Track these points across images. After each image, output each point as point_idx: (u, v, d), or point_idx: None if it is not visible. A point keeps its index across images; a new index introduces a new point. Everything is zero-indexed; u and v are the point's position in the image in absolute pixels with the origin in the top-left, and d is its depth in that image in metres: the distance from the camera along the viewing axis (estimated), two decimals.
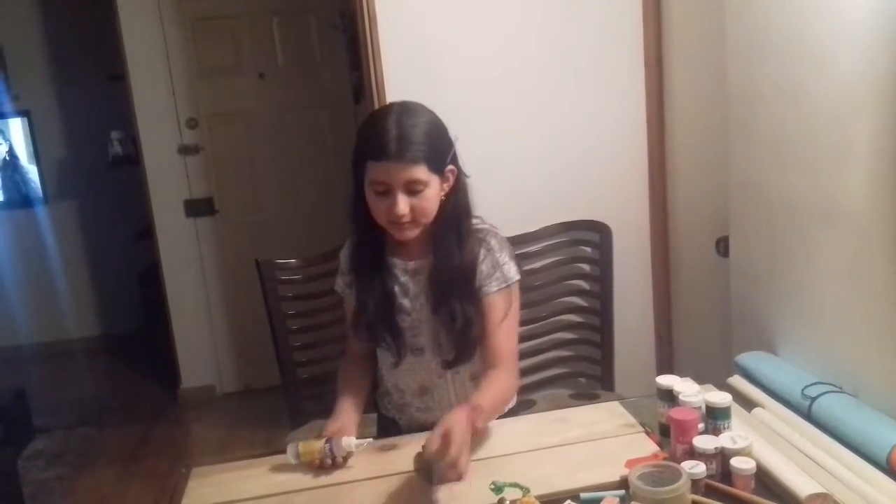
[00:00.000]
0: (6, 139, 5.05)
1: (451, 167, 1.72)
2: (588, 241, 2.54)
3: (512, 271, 1.79)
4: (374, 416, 2.05)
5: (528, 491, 1.46)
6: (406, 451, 1.70)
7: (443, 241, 1.74)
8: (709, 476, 1.44)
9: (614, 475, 1.50)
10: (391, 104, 1.74)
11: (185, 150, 4.12)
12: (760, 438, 1.56)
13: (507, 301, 1.78)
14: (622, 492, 1.42)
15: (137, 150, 4.15)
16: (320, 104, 4.22)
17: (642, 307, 2.73)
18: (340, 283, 1.91)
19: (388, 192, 1.65)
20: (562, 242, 2.55)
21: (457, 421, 1.52)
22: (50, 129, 5.11)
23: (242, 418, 4.05)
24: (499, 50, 2.53)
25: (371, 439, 1.70)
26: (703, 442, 1.48)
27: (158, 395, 4.45)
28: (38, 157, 5.10)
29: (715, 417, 1.56)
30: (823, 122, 1.70)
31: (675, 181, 2.63)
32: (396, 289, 1.81)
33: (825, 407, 1.62)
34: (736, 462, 1.43)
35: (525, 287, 2.48)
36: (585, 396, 2.39)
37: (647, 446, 1.62)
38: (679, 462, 1.44)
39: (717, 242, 2.29)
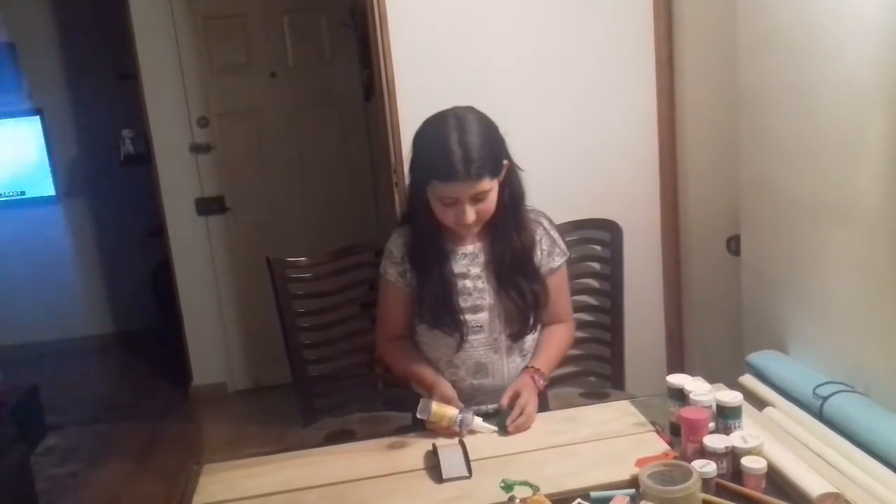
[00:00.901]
0: (7, 138, 5.07)
1: (505, 162, 1.83)
2: (598, 239, 2.54)
3: (564, 245, 2.00)
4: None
5: (538, 489, 1.46)
6: (414, 449, 1.70)
7: (502, 225, 1.87)
8: (719, 475, 1.44)
9: (624, 474, 1.50)
10: (447, 117, 1.78)
11: (196, 149, 4.13)
12: (771, 438, 1.55)
13: (565, 271, 2.02)
14: (632, 491, 1.42)
15: (149, 149, 4.16)
16: (331, 102, 4.23)
17: (653, 306, 2.73)
18: (392, 271, 1.96)
19: (455, 204, 1.77)
20: (572, 241, 2.54)
21: (524, 385, 1.83)
22: (62, 128, 5.13)
23: (253, 415, 4.06)
24: (509, 48, 2.53)
25: (496, 429, 1.76)
26: (714, 441, 1.48)
27: (170, 393, 4.47)
28: (50, 155, 5.12)
29: (726, 416, 1.56)
30: (834, 120, 1.69)
31: (686, 180, 2.62)
32: (456, 273, 1.89)
33: (837, 406, 1.62)
34: (747, 461, 1.43)
35: None
36: (596, 395, 2.39)
37: (658, 445, 1.62)
38: (690, 461, 1.44)
39: (728, 241, 2.28)
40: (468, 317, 1.89)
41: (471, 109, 1.81)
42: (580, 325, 2.55)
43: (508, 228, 1.87)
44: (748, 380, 1.87)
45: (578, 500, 1.43)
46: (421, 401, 1.76)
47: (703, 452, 1.48)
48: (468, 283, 1.89)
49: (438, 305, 1.88)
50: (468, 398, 1.94)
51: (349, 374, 2.51)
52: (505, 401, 1.80)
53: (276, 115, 4.21)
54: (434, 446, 1.66)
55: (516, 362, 1.95)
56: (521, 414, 1.76)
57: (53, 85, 5.07)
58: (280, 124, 4.22)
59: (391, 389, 2.51)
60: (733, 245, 2.25)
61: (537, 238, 1.92)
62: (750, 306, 2.17)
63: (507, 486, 1.48)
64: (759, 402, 1.76)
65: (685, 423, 1.52)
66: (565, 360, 2.54)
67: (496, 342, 1.91)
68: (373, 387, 2.63)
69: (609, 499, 1.40)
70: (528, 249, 1.90)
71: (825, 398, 1.64)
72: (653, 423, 1.71)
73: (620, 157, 2.63)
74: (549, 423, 1.80)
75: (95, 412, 4.28)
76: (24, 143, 5.09)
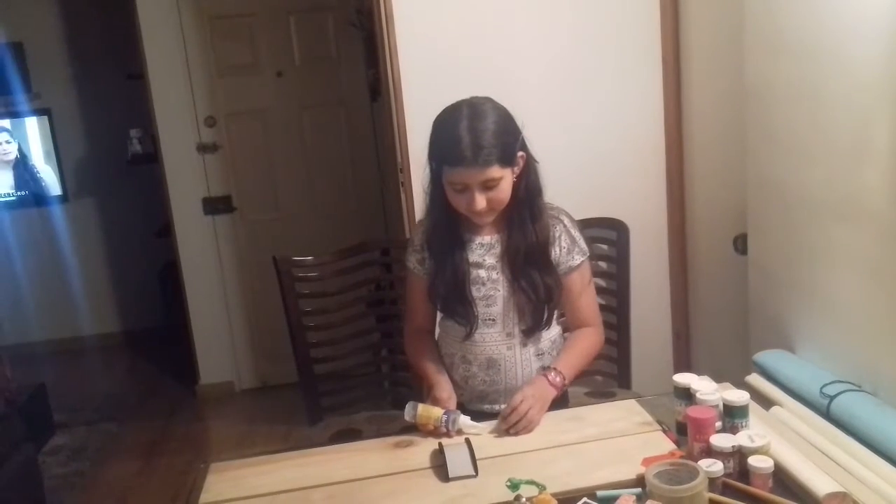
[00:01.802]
0: (14, 138, 5.09)
1: (520, 153, 1.83)
2: (605, 238, 2.54)
3: (584, 245, 1.96)
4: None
5: (545, 488, 1.46)
6: (421, 448, 1.71)
7: (518, 218, 1.87)
8: (726, 475, 1.44)
9: (631, 473, 1.50)
10: (461, 106, 1.80)
11: (203, 149, 4.14)
12: (778, 437, 1.55)
13: (587, 271, 1.98)
14: (639, 490, 1.42)
15: (156, 149, 4.18)
16: (337, 102, 4.24)
17: (660, 305, 2.72)
18: (413, 260, 1.99)
19: (466, 190, 1.78)
20: None
21: (533, 388, 1.80)
22: (70, 128, 5.15)
23: (260, 414, 4.07)
24: (515, 48, 2.53)
25: (484, 427, 1.77)
26: (721, 440, 1.48)
27: (177, 392, 4.48)
28: (58, 155, 5.14)
29: (732, 416, 1.56)
30: (841, 118, 1.69)
31: (693, 179, 2.62)
32: (471, 262, 1.90)
33: (844, 405, 1.61)
34: (753, 461, 1.43)
35: None
36: (602, 394, 2.39)
37: (664, 444, 1.62)
38: (696, 460, 1.43)
39: (735, 240, 2.28)
40: (481, 309, 1.89)
41: (487, 99, 1.82)
42: None
43: (524, 221, 1.87)
44: (755, 379, 1.87)
45: (585, 499, 1.43)
46: (408, 404, 1.77)
47: (710, 452, 1.48)
48: (482, 272, 1.90)
49: (451, 293, 1.89)
50: (480, 397, 1.94)
51: (356, 372, 2.52)
52: (513, 403, 1.76)
53: (283, 114, 4.22)
54: (440, 445, 1.66)
55: (531, 361, 1.93)
56: (519, 419, 1.73)
57: (61, 85, 5.08)
58: (287, 124, 4.23)
59: (398, 388, 2.52)
60: (740, 244, 2.24)
61: (556, 234, 1.91)
62: (757, 305, 2.17)
63: (514, 485, 1.48)
64: (766, 402, 1.75)
65: (692, 422, 1.52)
66: None
67: (510, 337, 1.91)
68: (379, 386, 2.64)
69: (615, 498, 1.39)
70: (543, 243, 1.88)
71: (832, 397, 1.64)
72: (659, 423, 1.71)
73: (627, 157, 2.63)
74: (556, 421, 1.79)
75: (103, 411, 4.29)
76: (32, 143, 5.11)
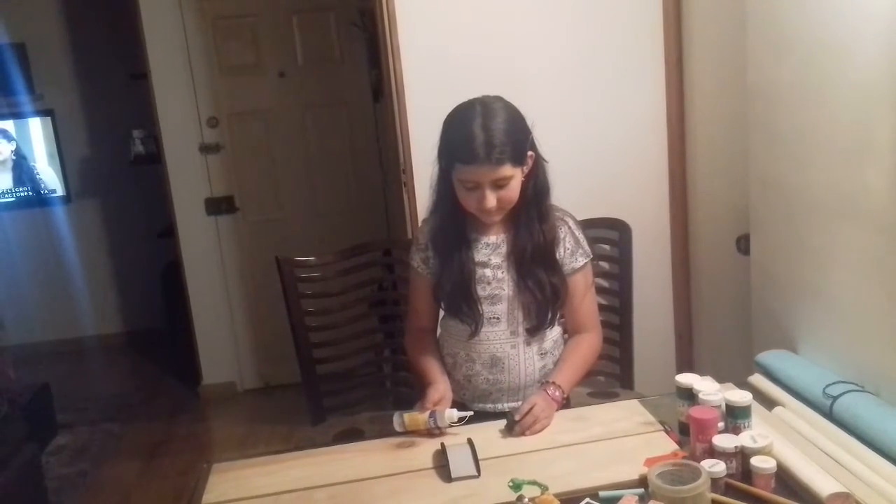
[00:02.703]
0: (12, 138, 5.09)
1: (530, 153, 1.84)
2: (608, 238, 2.53)
3: (588, 247, 1.97)
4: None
5: (547, 489, 1.46)
6: (423, 448, 1.71)
7: (525, 217, 1.88)
8: (729, 475, 1.44)
9: (633, 473, 1.50)
10: (474, 104, 1.81)
11: (206, 149, 4.15)
12: (781, 437, 1.55)
13: (590, 273, 1.99)
14: (641, 490, 1.42)
15: (159, 149, 4.18)
16: (340, 102, 4.24)
17: (662, 305, 2.72)
18: (417, 258, 2.00)
19: (476, 188, 1.79)
20: None
21: (537, 397, 1.79)
22: (73, 129, 5.16)
23: (262, 415, 4.07)
24: (519, 49, 2.53)
25: (471, 413, 1.79)
26: (723, 441, 1.47)
27: (180, 392, 4.48)
28: (61, 156, 5.15)
29: (735, 416, 1.56)
30: (844, 118, 1.68)
31: (696, 179, 2.62)
32: (476, 261, 1.91)
33: (847, 406, 1.61)
34: (756, 461, 1.43)
35: None
36: (605, 395, 2.39)
37: (667, 445, 1.61)
38: (699, 461, 1.43)
39: (738, 240, 2.28)
40: (486, 307, 1.90)
41: (499, 98, 1.83)
42: None
43: (532, 221, 1.88)
44: (758, 379, 1.87)
45: (587, 499, 1.43)
46: (394, 416, 1.77)
47: (713, 452, 1.48)
48: (488, 272, 1.90)
49: (456, 291, 1.89)
50: (483, 396, 1.94)
51: (358, 373, 2.52)
52: (517, 416, 1.75)
53: (286, 115, 4.22)
54: (442, 445, 1.66)
55: (534, 360, 1.94)
56: (533, 419, 1.74)
57: (64, 85, 5.09)
58: (289, 124, 4.23)
59: (400, 388, 2.52)
60: (743, 244, 2.24)
61: (561, 235, 1.92)
62: (759, 305, 2.16)
63: (516, 486, 1.48)
64: (769, 402, 1.75)
65: (694, 422, 1.52)
66: None
67: (514, 335, 1.91)
68: (381, 386, 2.64)
69: (618, 498, 1.39)
70: (550, 243, 1.90)
71: (835, 398, 1.64)
72: (662, 423, 1.71)
73: (630, 157, 2.63)
74: (558, 422, 1.79)
75: (105, 411, 4.30)
76: (35, 144, 5.12)
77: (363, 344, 2.48)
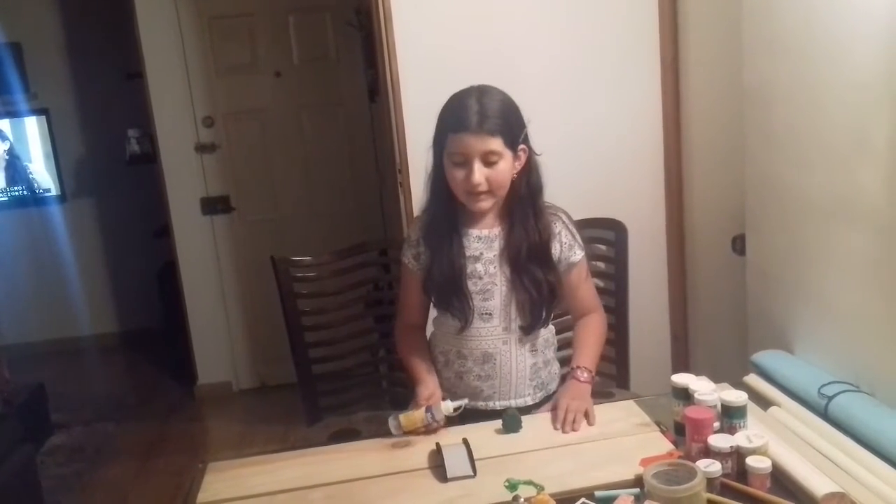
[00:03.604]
0: (6, 137, 5.08)
1: (522, 146, 1.85)
2: (604, 239, 2.53)
3: (581, 240, 1.99)
4: None
5: (543, 489, 1.46)
6: (419, 448, 1.71)
7: (520, 214, 1.89)
8: (724, 475, 1.44)
9: (629, 473, 1.50)
10: (471, 86, 1.85)
11: (201, 149, 4.14)
12: (776, 437, 1.55)
13: (586, 264, 2.01)
14: (637, 490, 1.42)
15: (154, 149, 4.18)
16: (336, 102, 4.23)
17: (658, 305, 2.73)
18: (408, 254, 1.99)
19: (465, 163, 1.79)
20: None
21: (563, 394, 1.84)
22: (68, 128, 5.14)
23: (258, 414, 4.07)
24: (515, 49, 2.53)
25: (466, 400, 1.82)
26: (719, 441, 1.48)
27: (175, 392, 4.48)
28: (56, 155, 5.13)
29: (730, 416, 1.56)
30: (840, 119, 1.69)
31: (692, 179, 2.62)
32: (468, 255, 1.91)
33: (842, 406, 1.62)
34: (751, 461, 1.43)
35: None
36: (600, 395, 2.39)
37: (663, 445, 1.62)
38: (694, 461, 1.43)
39: (734, 240, 2.28)
40: (478, 302, 1.89)
41: (499, 88, 1.86)
42: None
43: (526, 218, 1.88)
44: (753, 379, 1.87)
45: (583, 499, 1.43)
46: (389, 420, 1.77)
47: (708, 452, 1.48)
48: (479, 266, 1.90)
49: (446, 284, 1.89)
50: (474, 394, 1.94)
51: (354, 372, 2.51)
52: (559, 412, 1.79)
53: (281, 114, 4.22)
54: (438, 445, 1.66)
55: (525, 357, 1.93)
56: (572, 416, 1.77)
57: (59, 85, 5.08)
58: (285, 124, 4.23)
59: (396, 388, 2.52)
60: (738, 244, 2.25)
61: (557, 231, 1.93)
62: (755, 306, 2.17)
63: (512, 486, 1.48)
64: (764, 402, 1.76)
65: (690, 422, 1.52)
66: (570, 360, 2.55)
67: (506, 332, 1.91)
68: (377, 385, 2.63)
69: (613, 498, 1.40)
70: (545, 242, 1.90)
71: (830, 398, 1.64)
72: (657, 423, 1.71)
73: (626, 157, 2.63)
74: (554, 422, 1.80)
75: (101, 411, 4.29)
76: (30, 143, 5.10)
77: (359, 344, 2.48)
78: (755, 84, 2.03)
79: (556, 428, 1.76)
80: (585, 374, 1.88)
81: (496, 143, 1.77)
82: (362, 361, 2.54)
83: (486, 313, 1.90)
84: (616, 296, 2.49)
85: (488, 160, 1.78)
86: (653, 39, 2.57)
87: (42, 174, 5.16)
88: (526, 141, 1.86)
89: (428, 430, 1.76)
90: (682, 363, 2.71)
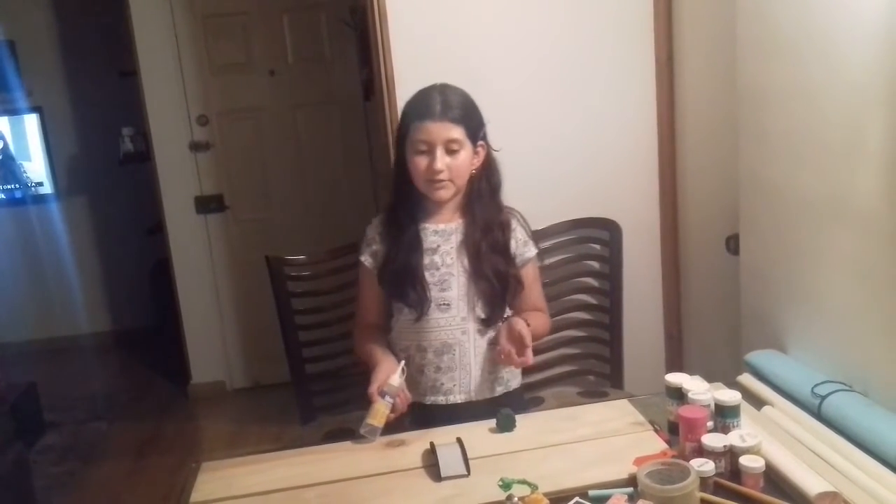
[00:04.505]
0: (15, 135, 5.07)
1: (481, 143, 1.93)
2: (598, 238, 2.54)
3: (533, 240, 2.06)
4: None
5: (537, 488, 1.46)
6: (413, 448, 1.70)
7: (479, 209, 1.95)
8: (717, 474, 1.44)
9: (623, 473, 1.50)
10: (433, 84, 1.93)
11: (195, 147, 4.13)
12: (770, 437, 1.55)
13: (537, 265, 2.09)
14: (630, 489, 1.43)
15: (148, 147, 4.16)
16: (330, 101, 4.23)
17: (652, 305, 2.73)
18: (366, 253, 2.03)
19: (429, 151, 1.86)
20: (571, 240, 2.55)
21: (515, 320, 1.85)
22: (62, 126, 5.13)
23: (252, 414, 4.06)
24: (509, 48, 2.53)
25: (403, 362, 1.85)
26: (712, 440, 1.48)
27: (168, 391, 4.47)
28: (49, 153, 5.12)
29: (724, 415, 1.56)
30: (834, 119, 1.69)
31: (686, 179, 2.63)
32: (425, 246, 1.95)
33: (835, 405, 1.62)
34: (745, 460, 1.43)
35: None
36: (594, 394, 2.39)
37: (656, 444, 1.62)
38: (688, 460, 1.44)
39: (728, 240, 2.28)
40: (435, 293, 1.93)
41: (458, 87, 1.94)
42: (579, 323, 2.56)
43: (486, 213, 1.95)
44: (747, 379, 1.87)
45: (577, 498, 1.43)
46: (363, 432, 1.76)
47: (702, 451, 1.48)
48: (436, 258, 1.94)
49: (402, 273, 1.92)
50: (434, 387, 1.96)
51: (348, 372, 2.51)
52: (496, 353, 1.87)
53: (276, 113, 4.21)
54: (432, 445, 1.66)
55: (483, 348, 1.96)
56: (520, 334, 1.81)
57: (53, 82, 5.07)
58: (279, 123, 4.22)
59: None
60: (732, 244, 2.25)
61: (513, 227, 2.00)
62: (749, 305, 2.17)
63: (506, 485, 1.48)
64: (758, 401, 1.76)
65: (683, 421, 1.52)
66: (564, 359, 2.56)
67: (464, 322, 1.93)
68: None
69: (607, 497, 1.40)
70: (505, 235, 1.97)
71: (823, 397, 1.65)
72: (651, 422, 1.71)
73: (620, 156, 2.63)
74: (548, 421, 1.80)
75: (94, 410, 4.28)
76: (24, 141, 5.09)
77: (353, 343, 2.47)
78: (749, 84, 2.04)
79: (501, 360, 1.85)
80: (530, 323, 1.89)
81: (458, 132, 1.85)
82: (356, 361, 2.53)
83: (444, 304, 1.93)
84: (610, 295, 2.50)
85: (450, 148, 1.85)
86: (647, 39, 2.57)
87: (35, 172, 5.15)
88: (485, 138, 1.94)
89: (398, 408, 1.79)
90: (675, 363, 2.72)
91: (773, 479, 1.44)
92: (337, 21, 4.08)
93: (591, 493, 1.44)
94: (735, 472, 1.45)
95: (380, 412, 1.76)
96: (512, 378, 2.04)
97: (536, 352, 2.47)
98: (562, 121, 2.58)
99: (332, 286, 2.43)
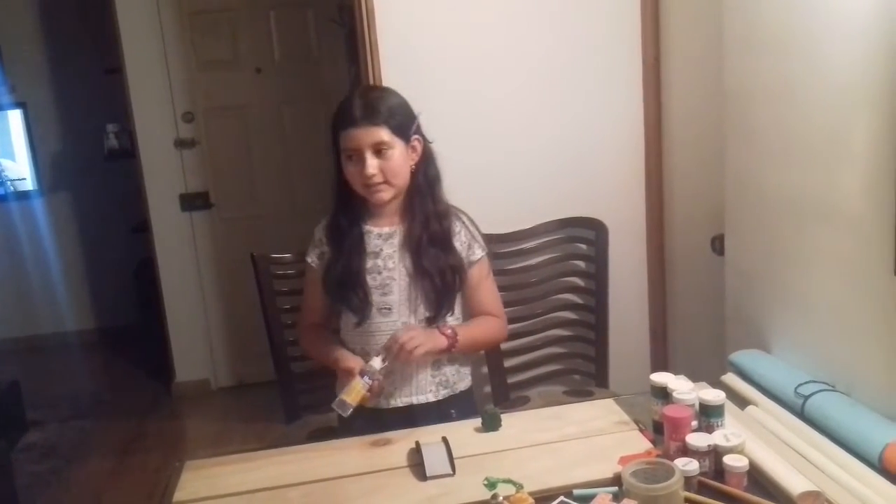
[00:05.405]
0: None
1: (416, 137, 1.90)
2: (584, 238, 2.55)
3: (483, 242, 2.01)
4: None
5: (522, 487, 1.46)
6: (398, 447, 1.70)
7: (419, 206, 1.92)
8: (702, 473, 1.44)
9: (608, 472, 1.51)
10: (357, 88, 1.93)
11: (181, 144, 4.11)
12: (753, 436, 1.56)
13: (486, 266, 2.02)
14: (615, 488, 1.43)
15: (133, 144, 4.14)
16: (317, 99, 4.21)
17: (637, 305, 2.74)
18: (313, 255, 2.02)
19: (358, 157, 1.84)
20: (558, 239, 2.56)
21: (417, 330, 1.86)
22: (46, 122, 5.09)
23: (236, 412, 4.05)
24: (496, 46, 2.53)
25: (384, 353, 1.83)
26: (697, 439, 1.48)
27: (153, 389, 4.45)
28: (33, 149, 5.08)
29: (708, 415, 1.57)
30: (819, 120, 1.70)
31: (672, 179, 2.63)
32: (367, 251, 1.94)
33: (818, 405, 1.63)
34: (729, 459, 1.43)
35: (520, 284, 2.49)
36: (580, 393, 2.40)
37: (641, 443, 1.62)
38: (672, 459, 1.44)
39: (713, 240, 2.29)
40: (376, 297, 1.91)
41: (381, 85, 1.96)
42: (564, 322, 2.56)
43: (425, 208, 1.92)
44: (731, 378, 1.88)
45: (562, 497, 1.43)
46: (335, 406, 1.77)
47: (686, 450, 1.48)
48: (379, 261, 1.92)
49: (345, 276, 1.91)
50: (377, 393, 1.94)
51: (333, 370, 2.50)
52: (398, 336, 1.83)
53: (262, 110, 4.20)
54: (417, 444, 1.66)
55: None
56: (403, 342, 1.80)
57: (37, 78, 5.03)
58: (266, 120, 4.21)
59: None
60: (718, 244, 2.26)
61: (456, 230, 1.96)
62: (733, 305, 2.18)
63: (491, 484, 1.48)
64: (742, 401, 1.77)
65: (668, 421, 1.53)
66: (550, 359, 2.56)
67: (406, 325, 1.92)
68: None
69: (592, 496, 1.40)
70: (446, 228, 1.93)
71: (807, 397, 1.65)
72: (636, 422, 1.71)
73: (606, 157, 2.64)
74: (533, 420, 1.80)
75: (77, 408, 4.25)
76: (6, 136, 5.04)
77: (300, 322, 2.46)
78: (735, 84, 2.04)
79: (385, 353, 1.81)
80: (449, 331, 1.89)
81: (383, 133, 1.82)
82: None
83: (386, 308, 1.92)
84: (596, 295, 2.51)
85: (379, 150, 1.83)
86: (634, 40, 2.58)
87: (19, 168, 5.10)
88: (419, 132, 1.91)
89: (373, 392, 1.79)
90: (660, 362, 2.73)
91: (757, 478, 1.45)
92: (325, 19, 4.06)
93: (576, 492, 1.45)
94: (719, 472, 1.46)
95: (356, 390, 1.76)
96: (459, 380, 2.01)
97: (520, 351, 2.51)
98: (548, 121, 2.59)
99: None
